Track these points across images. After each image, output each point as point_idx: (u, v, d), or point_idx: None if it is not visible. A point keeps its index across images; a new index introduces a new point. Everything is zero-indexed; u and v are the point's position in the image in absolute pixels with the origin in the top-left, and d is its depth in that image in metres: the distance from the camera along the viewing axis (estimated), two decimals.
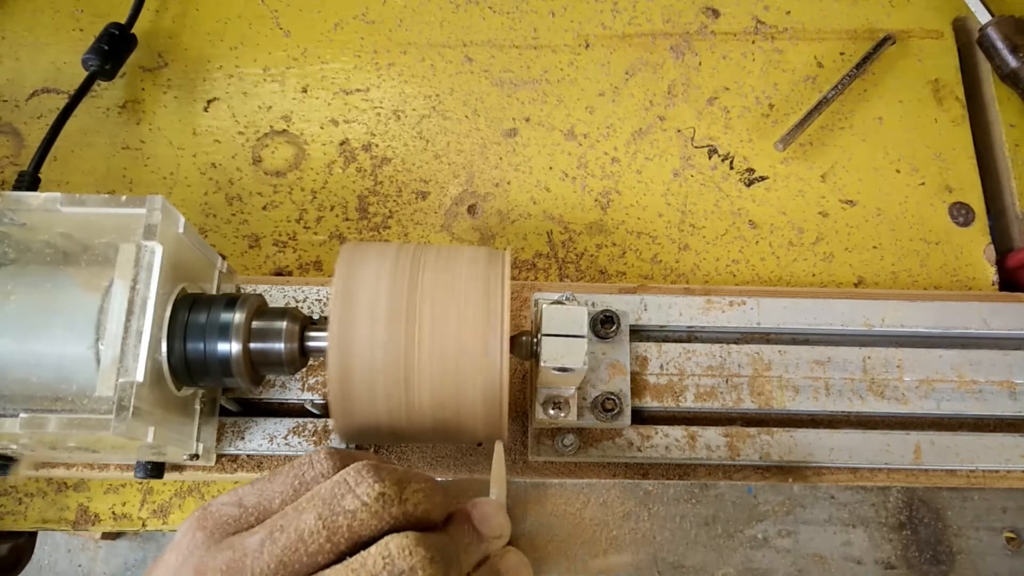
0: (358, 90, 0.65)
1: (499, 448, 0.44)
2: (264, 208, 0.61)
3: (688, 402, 0.51)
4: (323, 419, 0.51)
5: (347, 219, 0.61)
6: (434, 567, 0.32)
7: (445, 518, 0.37)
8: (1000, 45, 0.63)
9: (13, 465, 0.48)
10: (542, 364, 0.43)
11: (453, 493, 0.41)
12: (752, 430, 0.51)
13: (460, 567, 0.35)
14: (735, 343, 0.53)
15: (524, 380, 0.53)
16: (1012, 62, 0.63)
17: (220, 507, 0.35)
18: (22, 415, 0.38)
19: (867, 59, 0.65)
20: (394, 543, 0.32)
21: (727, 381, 0.52)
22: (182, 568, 0.32)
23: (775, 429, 0.51)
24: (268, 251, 0.59)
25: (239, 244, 0.60)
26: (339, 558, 0.32)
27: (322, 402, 0.51)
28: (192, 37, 0.66)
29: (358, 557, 0.32)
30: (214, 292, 0.49)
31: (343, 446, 0.50)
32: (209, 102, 0.64)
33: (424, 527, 0.35)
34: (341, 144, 0.63)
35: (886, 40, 0.66)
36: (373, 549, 0.32)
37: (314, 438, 0.50)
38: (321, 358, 0.45)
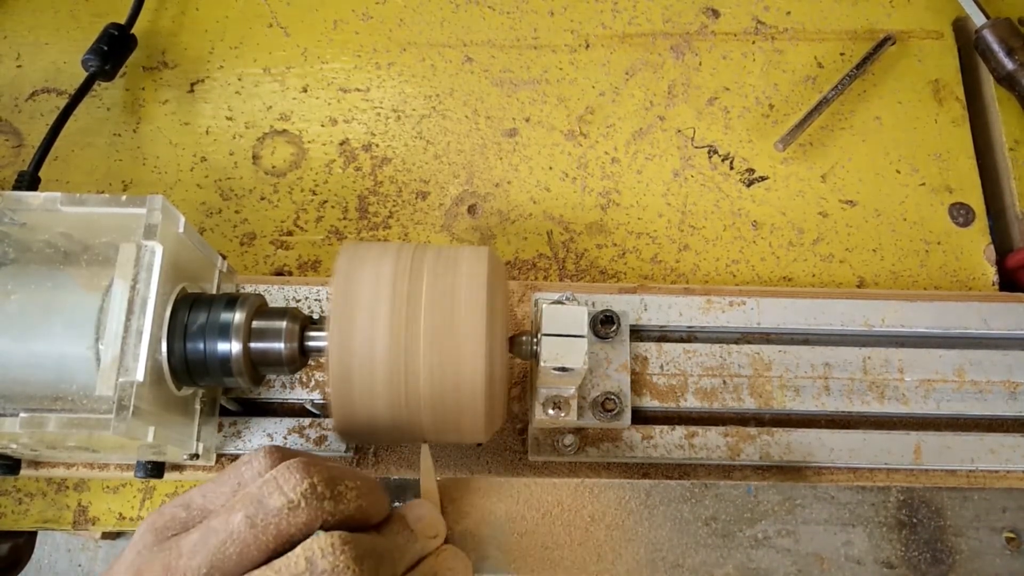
0: (358, 90, 0.65)
1: (425, 449, 0.44)
2: (264, 208, 0.61)
3: (688, 402, 0.51)
4: (323, 419, 0.51)
5: (347, 219, 0.61)
6: (360, 566, 0.31)
7: (384, 520, 0.37)
8: (996, 48, 0.63)
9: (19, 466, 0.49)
10: (542, 364, 0.43)
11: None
12: (752, 430, 0.51)
13: (393, 567, 0.35)
14: (735, 343, 0.53)
15: (524, 380, 0.53)
16: (1008, 65, 0.63)
17: (170, 509, 0.35)
18: (22, 415, 0.38)
19: (867, 59, 0.65)
20: (319, 542, 0.31)
21: (727, 381, 0.52)
22: (128, 568, 0.33)
23: (775, 429, 0.51)
24: (268, 251, 0.59)
25: (239, 244, 0.60)
26: (270, 557, 0.32)
27: (322, 402, 0.51)
28: (192, 37, 0.66)
29: (283, 558, 0.31)
30: (214, 292, 0.49)
31: (343, 446, 0.50)
32: (209, 102, 0.64)
33: (361, 527, 0.34)
34: (341, 144, 0.63)
35: (886, 40, 0.66)
36: (298, 549, 0.31)
37: (315, 438, 0.50)
38: (321, 358, 0.45)
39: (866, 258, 0.61)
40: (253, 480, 0.34)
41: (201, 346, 0.42)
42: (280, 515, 0.32)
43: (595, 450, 0.50)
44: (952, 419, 0.53)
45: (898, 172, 0.63)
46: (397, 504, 0.40)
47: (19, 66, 0.64)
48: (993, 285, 0.60)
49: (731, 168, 0.63)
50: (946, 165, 0.63)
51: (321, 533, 0.32)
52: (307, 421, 0.51)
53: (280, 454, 0.35)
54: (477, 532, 0.50)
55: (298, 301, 0.53)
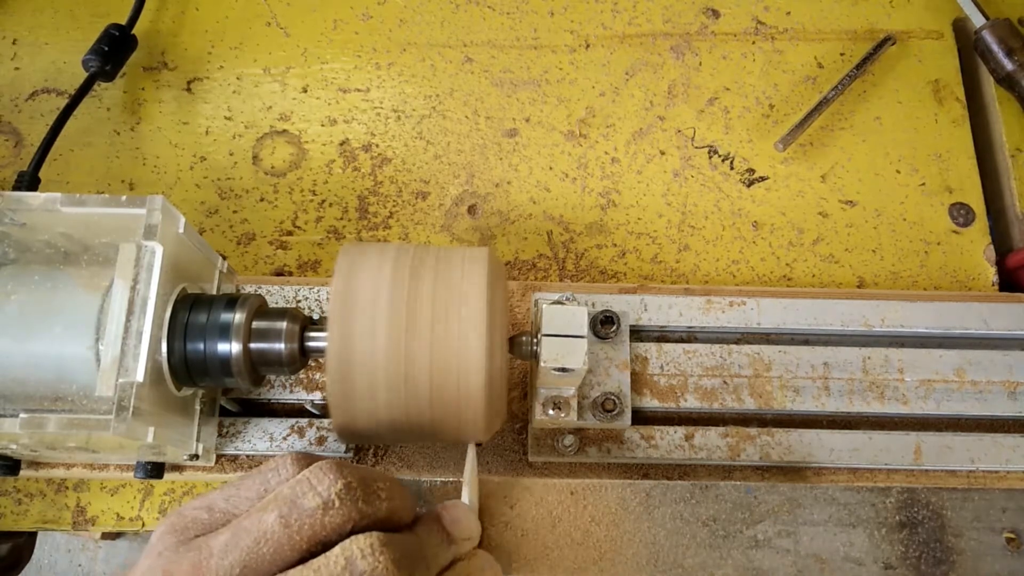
0: (358, 90, 0.65)
1: (471, 451, 0.44)
2: (264, 208, 0.61)
3: (688, 402, 0.51)
4: (323, 419, 0.51)
5: (347, 219, 0.61)
6: (399, 568, 0.31)
7: (414, 520, 0.37)
8: (995, 48, 0.63)
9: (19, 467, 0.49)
10: (542, 364, 0.43)
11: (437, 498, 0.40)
12: (752, 430, 0.51)
13: (428, 569, 0.35)
14: (735, 343, 0.53)
15: (524, 380, 0.53)
16: (1008, 65, 0.63)
17: (191, 511, 0.35)
18: (22, 415, 0.38)
19: (867, 59, 0.65)
20: (358, 543, 0.31)
21: (727, 381, 0.52)
22: (152, 569, 0.32)
23: (775, 429, 0.51)
24: (268, 251, 0.59)
25: (239, 244, 0.60)
26: (303, 558, 0.32)
27: (322, 402, 0.51)
28: (192, 37, 0.66)
29: (320, 557, 0.31)
30: (214, 292, 0.49)
31: (342, 446, 0.50)
32: (209, 102, 0.64)
33: (392, 528, 0.34)
34: (341, 144, 0.63)
35: (886, 41, 0.66)
36: (336, 549, 0.31)
37: (315, 438, 0.50)
38: (321, 358, 0.45)
39: (866, 258, 0.61)
40: (280, 485, 0.34)
41: (201, 346, 0.42)
42: (314, 515, 0.32)
43: (595, 450, 0.50)
44: (952, 419, 0.53)
45: (898, 172, 0.63)
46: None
47: (19, 66, 0.64)
48: (993, 285, 0.60)
49: (731, 168, 0.63)
50: (946, 165, 0.63)
51: (361, 534, 0.32)
52: (307, 421, 0.51)
53: (307, 459, 0.36)
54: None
55: (298, 301, 0.53)
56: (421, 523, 0.37)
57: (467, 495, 0.42)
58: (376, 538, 0.32)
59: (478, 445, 0.52)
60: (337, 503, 0.32)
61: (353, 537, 0.32)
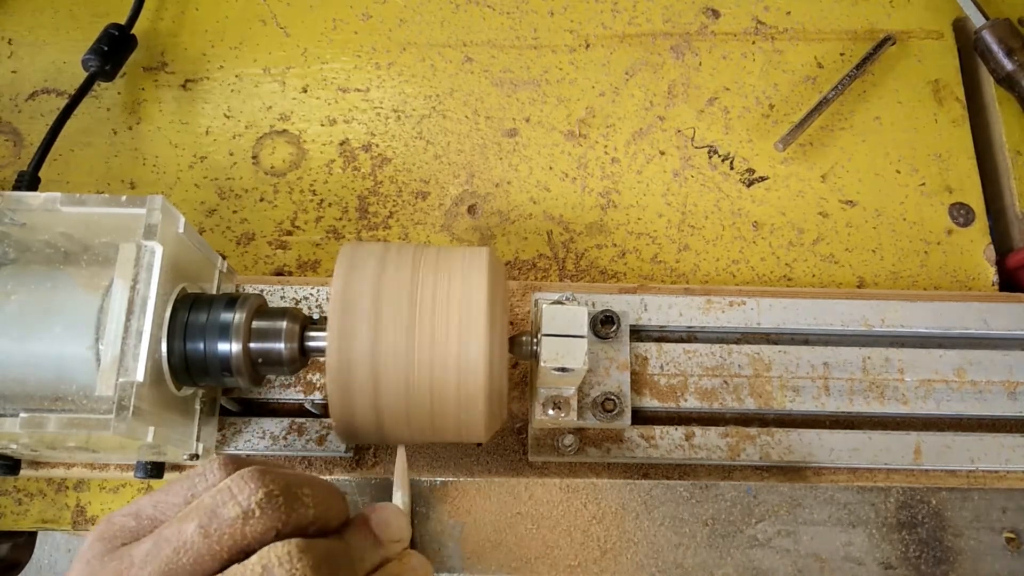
0: (358, 90, 0.65)
1: (401, 452, 0.44)
2: (263, 208, 0.61)
3: (688, 402, 0.51)
4: (323, 419, 0.51)
5: (346, 219, 0.61)
6: (317, 574, 0.31)
7: (345, 524, 0.37)
8: (995, 48, 0.63)
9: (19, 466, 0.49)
10: (542, 364, 0.43)
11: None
12: (752, 430, 0.51)
13: (355, 572, 0.35)
14: (735, 343, 0.53)
15: (524, 380, 0.53)
16: (1008, 65, 0.63)
17: (120, 518, 0.34)
18: (22, 415, 0.38)
19: (867, 59, 0.65)
20: (276, 550, 0.31)
21: (727, 381, 0.52)
22: None
23: (775, 429, 0.51)
24: (267, 251, 0.59)
25: (238, 244, 0.60)
26: (224, 567, 0.31)
27: (322, 402, 0.51)
28: (192, 37, 0.66)
29: (238, 566, 0.31)
30: (214, 292, 0.49)
31: (342, 446, 0.50)
32: (209, 102, 0.64)
33: (319, 533, 0.34)
34: (341, 144, 0.63)
35: (886, 41, 0.66)
36: (254, 557, 0.31)
37: (315, 438, 0.50)
38: (321, 358, 0.45)
39: (866, 258, 0.61)
40: (207, 490, 0.34)
41: (201, 346, 0.42)
42: (234, 525, 0.32)
43: (595, 450, 0.50)
44: (952, 419, 0.53)
45: (898, 172, 0.63)
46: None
47: (18, 67, 0.64)
48: (993, 285, 0.60)
49: (731, 168, 0.63)
50: (946, 165, 0.63)
51: (280, 541, 0.32)
52: (307, 421, 0.51)
53: (235, 464, 0.35)
54: (478, 532, 0.50)
55: (297, 301, 0.53)
56: (349, 527, 0.37)
57: (398, 497, 0.43)
58: (295, 544, 0.31)
59: (478, 445, 0.52)
60: (258, 512, 0.32)
61: (272, 544, 0.32)
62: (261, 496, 0.32)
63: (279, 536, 0.32)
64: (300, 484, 0.34)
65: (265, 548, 0.31)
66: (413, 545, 0.43)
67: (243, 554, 0.32)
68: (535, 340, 0.44)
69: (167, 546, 0.31)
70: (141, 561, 0.32)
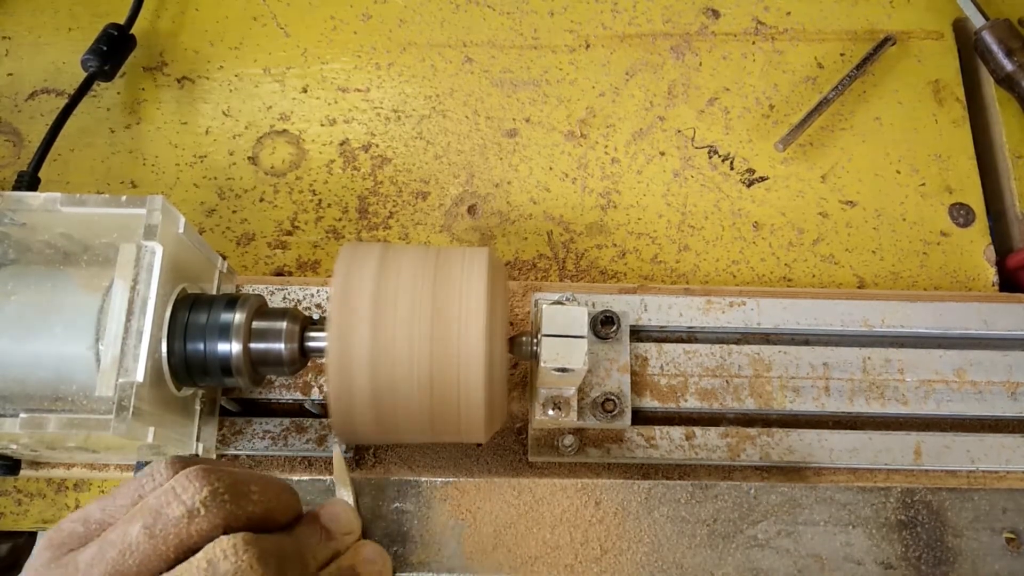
0: (358, 90, 0.65)
1: (336, 451, 0.46)
2: (263, 208, 0.61)
3: (688, 403, 0.51)
4: (323, 419, 0.51)
5: (346, 219, 0.60)
6: (264, 566, 0.31)
7: (296, 520, 0.37)
8: (995, 49, 0.63)
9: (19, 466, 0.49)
10: (542, 364, 0.43)
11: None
12: (752, 430, 0.51)
13: (303, 566, 0.35)
14: (735, 344, 0.53)
15: (524, 380, 0.53)
16: (1008, 66, 0.63)
17: (68, 525, 0.34)
18: (22, 415, 0.38)
19: (867, 60, 0.65)
20: (221, 545, 0.31)
21: (727, 382, 0.52)
22: None
23: (775, 429, 0.51)
24: (267, 251, 0.59)
25: (238, 244, 0.60)
26: (172, 566, 0.32)
27: (322, 402, 0.50)
28: (192, 37, 0.66)
29: (184, 564, 0.31)
30: (214, 292, 0.49)
31: (342, 446, 0.50)
32: (208, 102, 0.64)
33: (267, 529, 0.34)
34: (341, 144, 0.63)
35: (886, 41, 0.66)
36: (200, 553, 0.31)
37: (315, 438, 0.50)
38: (321, 358, 0.45)
39: (866, 258, 0.61)
40: (154, 491, 0.34)
41: (201, 346, 0.42)
42: (179, 524, 0.32)
43: (595, 451, 0.50)
44: (952, 419, 0.53)
45: (898, 172, 0.63)
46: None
47: (18, 67, 0.64)
48: (993, 285, 0.60)
49: (731, 168, 0.63)
50: (946, 165, 0.63)
51: (225, 536, 0.32)
52: (307, 421, 0.51)
53: (182, 463, 0.35)
54: (479, 533, 0.50)
55: (297, 302, 0.53)
56: (300, 523, 0.37)
57: (343, 493, 0.44)
58: (240, 538, 0.32)
59: (478, 445, 0.52)
60: (203, 511, 0.32)
61: (217, 539, 0.32)
62: (206, 494, 0.32)
63: (227, 533, 0.32)
64: (247, 481, 0.34)
65: (210, 543, 0.32)
66: (368, 535, 0.44)
67: (190, 553, 0.32)
68: (535, 340, 0.44)
69: (112, 549, 0.32)
70: (87, 566, 0.31)
